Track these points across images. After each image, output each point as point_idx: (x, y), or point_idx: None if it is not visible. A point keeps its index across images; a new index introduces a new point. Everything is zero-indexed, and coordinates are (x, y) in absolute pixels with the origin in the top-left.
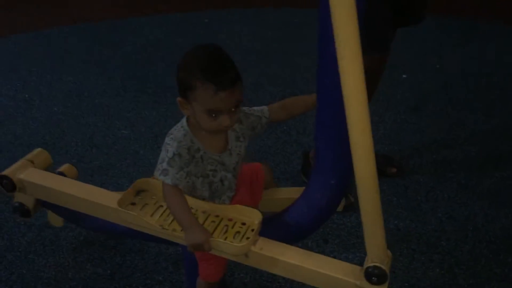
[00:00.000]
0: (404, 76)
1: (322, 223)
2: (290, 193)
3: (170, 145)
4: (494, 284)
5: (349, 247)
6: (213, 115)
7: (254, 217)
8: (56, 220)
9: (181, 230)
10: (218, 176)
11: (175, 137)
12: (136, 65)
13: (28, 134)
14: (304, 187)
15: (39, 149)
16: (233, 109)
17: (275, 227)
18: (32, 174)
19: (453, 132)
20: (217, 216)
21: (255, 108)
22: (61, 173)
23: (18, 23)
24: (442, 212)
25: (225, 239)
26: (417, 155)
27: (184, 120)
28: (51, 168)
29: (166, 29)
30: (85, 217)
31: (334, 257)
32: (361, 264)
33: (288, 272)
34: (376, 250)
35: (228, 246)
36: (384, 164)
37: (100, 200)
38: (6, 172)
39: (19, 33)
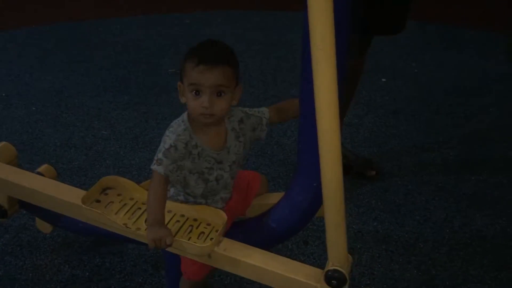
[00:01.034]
0: (383, 80)
1: (304, 226)
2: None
3: (168, 137)
4: (470, 285)
5: None
6: (196, 93)
7: (219, 218)
8: (44, 227)
9: (145, 229)
10: (213, 174)
11: (175, 130)
12: (117, 66)
13: (5, 133)
14: None
15: (3, 143)
16: (216, 94)
17: (257, 229)
18: None
19: (431, 136)
20: (182, 215)
21: (255, 109)
22: (40, 174)
23: None
24: (420, 214)
25: (189, 239)
26: (396, 158)
27: (185, 115)
28: (16, 161)
29: (148, 30)
30: (60, 217)
31: (314, 259)
32: None
33: (250, 274)
34: (337, 254)
35: (191, 246)
36: (363, 167)
37: (63, 196)
38: None
39: None
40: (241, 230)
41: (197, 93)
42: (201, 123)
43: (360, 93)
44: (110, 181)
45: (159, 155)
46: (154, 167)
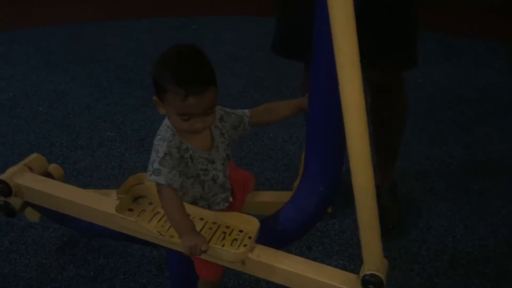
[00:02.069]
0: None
1: (309, 230)
2: (273, 197)
3: (159, 145)
4: None
5: (332, 254)
6: (185, 118)
7: (252, 224)
8: (33, 216)
9: (179, 237)
10: (209, 175)
11: (164, 137)
12: (123, 68)
13: (12, 133)
14: (286, 191)
15: (35, 154)
16: (207, 112)
17: (263, 232)
18: (30, 179)
19: (434, 145)
20: (214, 223)
21: (236, 110)
22: (48, 173)
23: (3, 21)
24: (423, 222)
25: (223, 246)
26: (400, 166)
27: (166, 121)
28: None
29: (155, 33)
30: (73, 219)
31: None
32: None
33: (285, 280)
34: (373, 258)
35: (225, 253)
36: None
37: (98, 206)
38: (3, 176)
39: (4, 31)
40: None
41: (188, 118)
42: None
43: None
44: (141, 190)
45: (155, 165)
46: (153, 177)
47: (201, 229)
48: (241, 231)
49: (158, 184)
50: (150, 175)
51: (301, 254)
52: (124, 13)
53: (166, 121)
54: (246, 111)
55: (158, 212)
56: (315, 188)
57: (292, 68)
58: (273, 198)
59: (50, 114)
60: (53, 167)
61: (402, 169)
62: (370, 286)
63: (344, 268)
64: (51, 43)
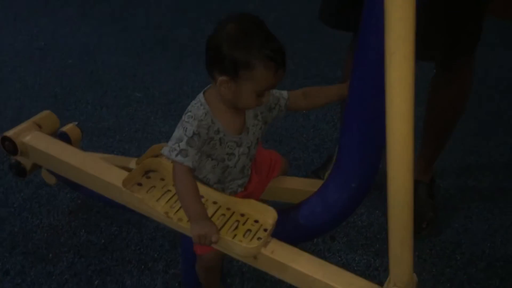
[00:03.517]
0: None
1: (335, 227)
2: (300, 184)
3: (189, 124)
4: None
5: (357, 248)
6: (263, 93)
7: (268, 215)
8: (49, 178)
9: (187, 221)
10: (234, 159)
11: (195, 115)
12: (158, 26)
13: (39, 84)
14: (315, 180)
15: (47, 112)
16: None
17: (284, 224)
18: (37, 139)
19: (480, 138)
20: (228, 209)
21: (273, 90)
22: (64, 133)
23: None
24: (459, 223)
25: (234, 236)
26: (440, 159)
27: (201, 97)
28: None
29: None
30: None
31: (340, 257)
32: (368, 268)
33: (297, 281)
34: (401, 273)
35: (237, 246)
36: None
37: (105, 176)
38: (9, 133)
39: None
40: None
41: (263, 93)
42: (225, 105)
43: None
44: (153, 163)
45: (182, 144)
46: (179, 158)
47: (213, 215)
48: (256, 221)
49: (175, 162)
50: (176, 155)
51: (323, 243)
52: None
53: (200, 98)
54: (284, 93)
55: (169, 191)
56: (346, 184)
57: (336, 39)
58: (300, 186)
59: (79, 68)
60: (70, 128)
61: (442, 163)
62: None
63: (368, 264)
64: None
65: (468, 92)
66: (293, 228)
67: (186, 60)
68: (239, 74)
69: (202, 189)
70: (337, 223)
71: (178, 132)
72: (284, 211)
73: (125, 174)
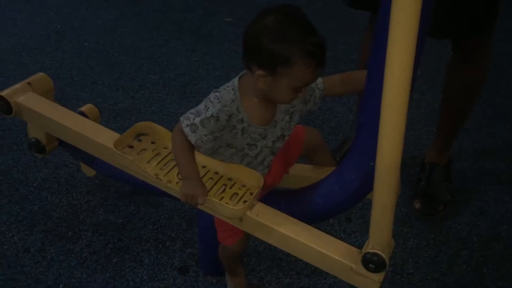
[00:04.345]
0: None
1: (352, 206)
2: (316, 172)
3: (212, 104)
4: None
5: None
6: (301, 89)
7: (255, 180)
8: (88, 170)
9: (177, 183)
10: (255, 150)
11: (222, 98)
12: (173, 9)
13: (55, 66)
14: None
15: (40, 73)
16: None
17: (300, 202)
18: (31, 99)
19: (500, 121)
20: (216, 173)
21: None
22: (82, 113)
23: None
24: (476, 206)
25: (221, 199)
26: (457, 141)
27: (236, 82)
28: (52, 95)
29: None
30: (94, 159)
31: (355, 238)
32: None
33: (281, 244)
34: (380, 236)
35: (222, 208)
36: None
37: (96, 137)
38: (3, 93)
39: None
40: (283, 200)
41: (301, 90)
42: (256, 96)
43: (425, 65)
44: (145, 127)
45: (196, 120)
46: (186, 130)
47: (202, 178)
48: (243, 185)
49: (178, 128)
50: (186, 126)
51: (339, 224)
52: None
53: (234, 82)
54: (319, 81)
55: (159, 154)
56: (364, 163)
57: (351, 21)
58: (317, 174)
59: (95, 50)
60: (88, 108)
61: (459, 146)
62: (370, 265)
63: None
64: None
65: (484, 74)
66: (309, 207)
67: (201, 42)
68: (277, 70)
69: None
70: (354, 202)
71: (200, 107)
72: (301, 190)
73: (117, 136)
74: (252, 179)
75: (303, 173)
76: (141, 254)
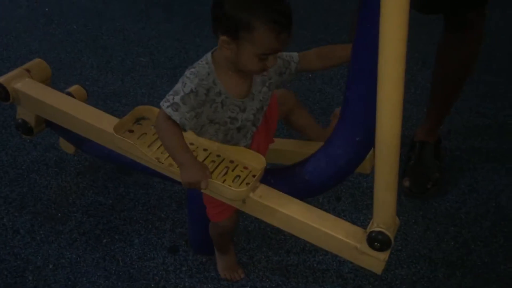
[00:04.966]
0: None
1: (339, 182)
2: (301, 146)
3: (189, 80)
4: (510, 265)
5: (362, 208)
6: (265, 57)
7: (257, 162)
8: (67, 147)
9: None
10: (236, 123)
11: (198, 73)
12: None
13: (44, 50)
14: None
15: (38, 59)
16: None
17: (287, 179)
18: (29, 86)
19: (488, 100)
20: (218, 156)
21: (283, 52)
22: (70, 94)
23: None
24: (465, 183)
25: (224, 181)
26: (447, 120)
27: (209, 56)
28: (49, 82)
29: None
30: (84, 140)
31: (345, 217)
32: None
33: (285, 225)
34: (384, 215)
35: (225, 190)
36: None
37: (96, 122)
38: (1, 80)
39: None
40: (270, 177)
41: (266, 57)
42: (229, 69)
43: (415, 46)
44: (145, 110)
45: (176, 98)
46: (168, 110)
47: (203, 161)
48: (245, 168)
49: (160, 116)
50: (167, 107)
51: (328, 203)
52: None
53: (207, 56)
54: (295, 55)
55: None
56: (351, 138)
57: (343, 4)
58: (301, 148)
59: (83, 33)
60: (75, 88)
61: (449, 124)
62: (376, 244)
63: None
64: None
65: (477, 51)
66: (298, 183)
67: (191, 25)
68: (239, 35)
69: (193, 137)
70: (342, 178)
71: (177, 86)
72: (289, 167)
73: (116, 120)
74: (254, 161)
75: (291, 149)
76: (131, 235)
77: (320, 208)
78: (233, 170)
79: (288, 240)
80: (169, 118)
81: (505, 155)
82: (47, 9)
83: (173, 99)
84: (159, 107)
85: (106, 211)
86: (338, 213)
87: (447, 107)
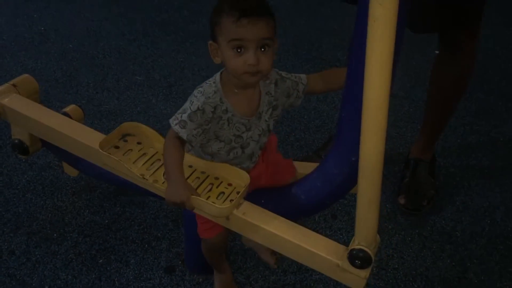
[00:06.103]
0: (436, 52)
1: (335, 201)
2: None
3: (196, 98)
4: (506, 283)
5: None
6: (238, 50)
7: (241, 179)
8: (70, 170)
9: (163, 183)
10: (241, 142)
11: (205, 92)
12: (158, 10)
13: (39, 68)
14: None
15: (25, 75)
16: (261, 49)
17: (283, 199)
18: (16, 101)
19: (481, 117)
20: (203, 172)
21: (292, 73)
22: (66, 114)
23: None
24: (460, 200)
25: (208, 198)
26: (441, 138)
27: (217, 76)
28: (37, 97)
29: None
30: (80, 160)
31: (341, 235)
32: None
33: (268, 242)
34: (365, 232)
35: (209, 206)
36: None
37: (82, 138)
38: None
39: None
40: (266, 197)
41: (240, 49)
42: (235, 86)
43: (409, 63)
44: (131, 127)
45: (184, 116)
46: (176, 128)
47: (188, 177)
48: (230, 184)
49: (171, 131)
50: (175, 124)
51: (325, 221)
52: None
53: (216, 76)
54: (303, 76)
55: (145, 154)
56: (347, 157)
57: (336, 21)
58: (301, 170)
59: (79, 52)
60: (72, 108)
61: (444, 141)
62: (356, 261)
63: None
64: None
65: (471, 70)
66: (294, 203)
67: (187, 43)
68: (215, 32)
69: None
70: (337, 198)
71: (186, 104)
72: (285, 186)
73: (102, 136)
74: (239, 178)
75: None
76: (127, 255)
77: (316, 226)
78: (217, 187)
79: (284, 260)
80: (177, 135)
81: (499, 172)
82: (42, 28)
83: (181, 116)
84: (156, 124)
85: (102, 231)
86: (334, 231)
87: (442, 125)
